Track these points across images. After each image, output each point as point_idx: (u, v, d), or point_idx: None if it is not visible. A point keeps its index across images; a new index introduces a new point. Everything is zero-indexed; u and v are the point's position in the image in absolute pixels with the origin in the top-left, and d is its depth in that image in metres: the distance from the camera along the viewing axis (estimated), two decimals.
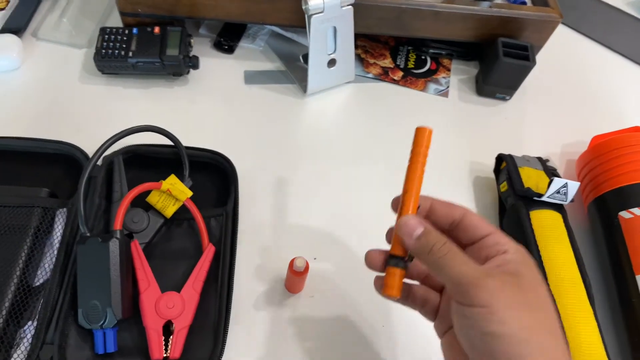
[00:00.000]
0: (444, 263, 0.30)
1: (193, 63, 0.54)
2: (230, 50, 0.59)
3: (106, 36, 0.52)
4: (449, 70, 0.62)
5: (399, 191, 0.51)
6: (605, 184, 0.48)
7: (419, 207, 0.36)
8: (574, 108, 0.61)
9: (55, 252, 0.41)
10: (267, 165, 0.52)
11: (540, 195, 0.46)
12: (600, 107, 0.62)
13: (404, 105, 0.58)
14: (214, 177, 0.48)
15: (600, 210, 0.47)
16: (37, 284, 0.41)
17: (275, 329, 0.43)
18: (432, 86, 0.60)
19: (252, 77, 0.57)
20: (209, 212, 0.45)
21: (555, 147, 0.58)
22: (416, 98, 0.59)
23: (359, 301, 0.45)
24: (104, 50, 0.52)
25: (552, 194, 0.45)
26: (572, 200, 0.47)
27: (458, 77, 0.62)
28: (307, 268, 0.40)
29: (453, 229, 0.33)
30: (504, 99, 0.60)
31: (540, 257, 0.44)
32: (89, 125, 0.52)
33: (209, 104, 0.55)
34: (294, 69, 0.58)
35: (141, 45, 0.52)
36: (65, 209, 0.43)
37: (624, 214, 0.45)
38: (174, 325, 0.39)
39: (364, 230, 0.49)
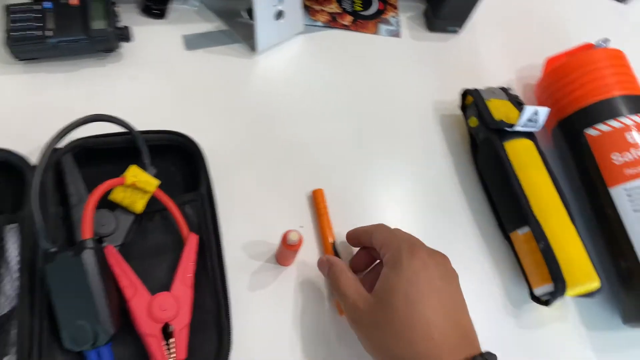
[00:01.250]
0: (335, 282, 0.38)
1: (124, 35, 0.47)
2: (161, 14, 0.52)
3: (14, 15, 0.45)
4: (396, 8, 0.60)
5: (369, 140, 0.50)
6: (567, 106, 0.49)
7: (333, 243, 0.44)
8: (523, 32, 0.62)
9: (16, 275, 0.36)
10: (230, 136, 0.48)
11: (513, 126, 0.46)
12: (548, 27, 0.63)
13: (359, 51, 0.56)
14: (177, 160, 0.44)
15: (566, 132, 0.49)
16: (2, 313, 0.36)
17: (276, 308, 0.41)
18: (384, 27, 0.58)
19: (193, 42, 0.52)
20: (182, 199, 0.41)
21: (511, 74, 0.58)
22: (370, 42, 0.57)
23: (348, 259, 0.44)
24: (15, 33, 0.44)
25: (525, 122, 0.46)
26: (542, 126, 0.47)
27: (407, 14, 0.60)
28: (301, 240, 0.39)
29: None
30: (455, 31, 0.59)
31: (521, 186, 0.44)
32: (15, 124, 0.44)
33: (151, 78, 0.49)
34: (237, 27, 0.53)
35: (60, 22, 0.45)
36: (16, 225, 0.38)
37: (590, 132, 0.46)
38: (172, 326, 0.36)
39: (343, 187, 0.47)
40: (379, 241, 0.38)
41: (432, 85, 0.55)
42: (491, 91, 0.50)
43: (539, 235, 0.43)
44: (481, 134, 0.48)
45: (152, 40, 0.51)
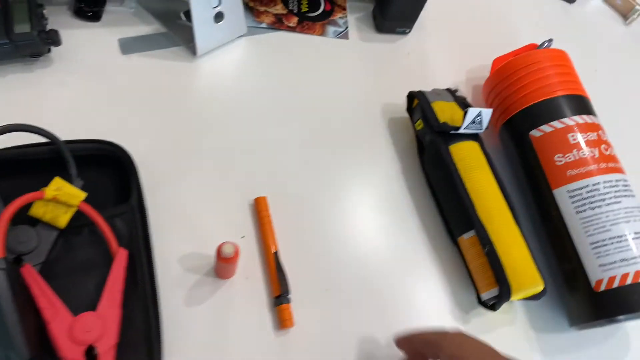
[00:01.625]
0: None
1: (52, 39, 0.45)
2: (95, 17, 0.50)
3: None
4: (344, 9, 0.59)
5: (316, 145, 0.49)
6: (512, 106, 0.48)
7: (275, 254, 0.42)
8: (474, 33, 0.61)
9: None
10: (167, 144, 0.46)
11: (457, 128, 0.45)
12: (498, 28, 0.63)
13: (305, 54, 0.54)
14: (108, 170, 0.41)
15: (512, 132, 0.48)
16: None
17: (213, 322, 0.40)
18: (331, 29, 0.57)
19: (129, 46, 0.50)
20: (112, 212, 0.39)
21: (460, 75, 0.58)
22: (316, 44, 0.55)
23: (295, 271, 0.42)
24: None
25: (468, 124, 0.45)
26: (486, 128, 0.47)
27: (355, 15, 0.59)
28: (237, 252, 0.37)
29: None
30: (404, 32, 0.58)
31: (465, 189, 0.44)
32: None
33: (83, 84, 0.47)
34: (176, 30, 0.51)
35: None
36: None
37: (534, 133, 0.46)
38: (97, 348, 0.34)
39: (288, 194, 0.46)
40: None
41: (381, 88, 0.54)
42: (437, 93, 0.49)
43: (484, 239, 0.42)
44: (427, 136, 0.48)
45: (84, 44, 0.49)
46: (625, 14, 0.69)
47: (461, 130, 0.45)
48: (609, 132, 0.54)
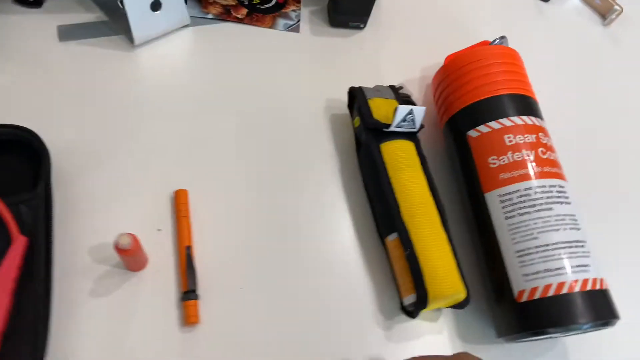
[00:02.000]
0: None
1: None
2: (37, 3, 0.50)
3: None
4: (299, 2, 0.57)
5: (251, 139, 0.47)
6: (454, 104, 0.46)
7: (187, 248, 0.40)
8: (434, 29, 0.59)
9: None
10: (93, 133, 0.45)
11: (388, 126, 0.43)
12: (462, 25, 0.60)
13: (251, 46, 0.53)
14: (23, 157, 0.41)
15: (453, 132, 0.46)
16: None
17: (116, 314, 0.39)
18: (282, 21, 0.55)
19: (67, 33, 0.49)
20: (17, 198, 0.38)
21: (415, 72, 0.56)
22: (264, 36, 0.54)
23: (209, 268, 0.41)
24: None
25: (399, 122, 0.43)
26: (422, 126, 0.45)
27: (310, 8, 0.57)
28: (135, 245, 0.36)
29: None
30: (358, 27, 0.56)
31: (392, 190, 0.42)
32: None
33: (16, 70, 0.46)
34: (117, 18, 0.50)
35: None
36: None
37: (471, 133, 0.44)
38: None
39: (214, 188, 0.45)
40: None
41: (327, 83, 0.52)
42: (377, 90, 0.47)
43: (406, 242, 0.40)
44: (363, 134, 0.46)
45: (22, 30, 0.48)
46: (604, 14, 0.65)
47: (392, 128, 0.43)
48: (570, 135, 0.51)
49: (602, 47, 0.63)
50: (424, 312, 0.43)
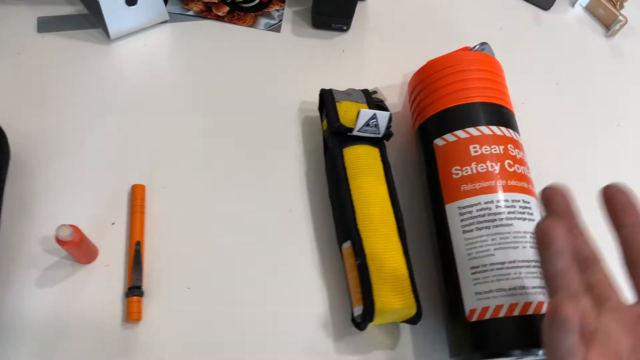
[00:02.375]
0: None
1: None
2: None
3: None
4: (283, 2, 0.56)
5: (221, 138, 0.47)
6: (425, 110, 0.44)
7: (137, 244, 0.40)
8: (424, 35, 0.57)
9: None
10: (61, 125, 0.45)
11: (351, 130, 0.42)
12: (454, 32, 0.58)
13: (229, 45, 0.52)
14: None
15: (422, 139, 0.44)
16: None
17: (60, 305, 0.38)
18: (263, 21, 0.55)
19: (46, 24, 0.50)
20: None
21: (396, 78, 0.54)
22: (243, 35, 0.53)
23: (159, 265, 0.41)
24: None
25: (362, 127, 0.42)
26: (390, 133, 0.43)
27: (293, 9, 0.56)
28: (77, 236, 0.36)
29: None
30: (341, 29, 0.55)
31: (350, 196, 0.40)
32: None
33: None
34: (95, 12, 0.51)
35: None
36: None
37: (438, 142, 0.42)
38: None
39: (175, 185, 0.44)
40: None
41: (304, 84, 0.51)
42: (347, 93, 0.46)
43: (358, 250, 0.39)
44: (329, 138, 0.45)
45: (3, 21, 0.49)
46: (607, 25, 0.62)
47: (354, 133, 0.42)
48: (567, 150, 0.49)
49: (605, 59, 0.60)
50: (381, 325, 0.41)
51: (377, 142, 0.44)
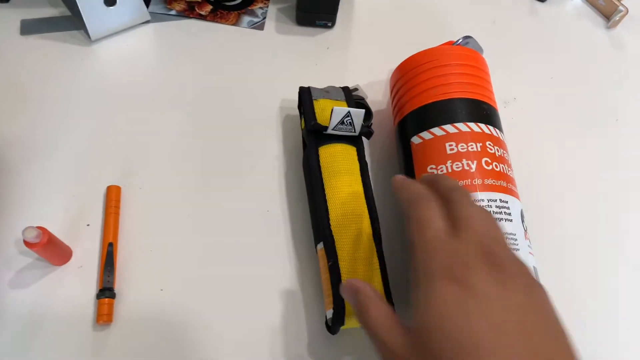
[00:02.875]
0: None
1: None
2: None
3: None
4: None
5: (199, 138, 0.46)
6: (405, 106, 0.43)
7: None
8: (411, 29, 0.56)
9: None
10: (40, 126, 0.45)
11: (326, 128, 0.41)
12: (444, 26, 0.57)
13: (211, 43, 0.52)
14: None
15: (400, 137, 0.43)
16: None
17: (32, 306, 0.38)
18: (246, 19, 0.54)
19: (29, 27, 0.50)
20: None
21: (383, 74, 0.53)
22: (226, 33, 0.53)
23: (132, 267, 0.41)
24: None
25: (337, 125, 0.41)
26: (367, 131, 0.42)
27: (278, 6, 0.56)
28: (45, 238, 0.35)
29: None
30: (326, 25, 0.54)
31: (324, 196, 0.40)
32: None
33: None
34: (77, 13, 0.51)
35: None
36: None
37: (414, 140, 0.41)
38: None
39: (151, 186, 0.44)
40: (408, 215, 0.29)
41: (286, 82, 0.50)
42: (325, 91, 0.45)
43: (330, 252, 0.38)
44: (307, 137, 0.44)
45: None
46: (607, 16, 0.60)
47: (328, 131, 0.41)
48: (550, 146, 0.47)
49: (605, 51, 0.58)
50: (357, 328, 0.40)
51: (355, 141, 0.42)
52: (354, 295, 0.29)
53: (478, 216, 0.27)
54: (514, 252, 0.26)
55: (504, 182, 0.38)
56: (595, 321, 0.42)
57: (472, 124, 0.39)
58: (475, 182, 0.37)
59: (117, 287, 0.40)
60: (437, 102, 0.41)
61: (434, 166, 0.38)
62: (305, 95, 0.44)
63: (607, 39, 0.58)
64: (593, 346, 0.39)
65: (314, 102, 0.44)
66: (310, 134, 0.42)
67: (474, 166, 0.37)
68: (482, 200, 0.36)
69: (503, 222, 0.36)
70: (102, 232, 0.42)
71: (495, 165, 0.38)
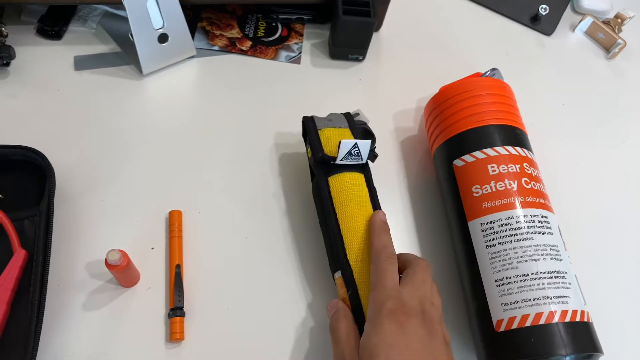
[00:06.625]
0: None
1: (5, 53, 0.49)
2: (57, 35, 0.54)
3: None
4: (301, 35, 0.60)
5: (243, 166, 0.49)
6: (443, 133, 0.47)
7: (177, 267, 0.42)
8: (434, 61, 0.61)
9: None
10: (98, 156, 0.48)
11: (334, 159, 0.42)
12: (455, 57, 0.62)
13: (252, 77, 0.56)
14: (32, 176, 0.44)
15: (441, 160, 0.47)
16: None
17: (106, 327, 0.40)
18: (284, 53, 0.58)
19: (82, 62, 0.53)
20: (22, 214, 0.41)
21: (411, 103, 0.57)
22: (265, 67, 0.57)
23: (198, 287, 0.43)
24: None
25: (345, 156, 0.42)
26: (372, 155, 0.44)
27: (311, 41, 0.60)
28: (125, 261, 0.38)
29: None
30: (357, 59, 0.59)
31: (338, 226, 0.41)
32: None
33: (32, 96, 0.50)
34: (128, 49, 0.54)
35: None
36: None
37: (457, 162, 0.45)
38: None
39: (206, 211, 0.47)
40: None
41: (321, 112, 0.54)
42: (328, 119, 0.47)
43: (349, 281, 0.39)
44: (314, 166, 0.45)
45: (43, 60, 0.53)
46: (607, 48, 0.65)
47: (337, 162, 0.42)
48: (567, 167, 0.51)
49: (607, 80, 0.63)
50: None
51: (362, 168, 0.44)
52: (333, 311, 0.39)
53: (422, 280, 0.38)
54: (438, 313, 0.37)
55: (542, 199, 0.42)
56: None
57: (509, 147, 0.43)
58: (517, 200, 0.41)
59: (185, 306, 0.42)
60: (475, 129, 0.45)
61: (478, 186, 0.42)
62: (310, 125, 0.45)
63: (608, 69, 0.64)
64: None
65: (319, 131, 0.45)
66: (319, 164, 0.43)
67: (515, 185, 0.41)
68: (526, 216, 0.40)
69: (545, 235, 0.40)
70: (167, 255, 0.44)
71: (534, 185, 0.42)
